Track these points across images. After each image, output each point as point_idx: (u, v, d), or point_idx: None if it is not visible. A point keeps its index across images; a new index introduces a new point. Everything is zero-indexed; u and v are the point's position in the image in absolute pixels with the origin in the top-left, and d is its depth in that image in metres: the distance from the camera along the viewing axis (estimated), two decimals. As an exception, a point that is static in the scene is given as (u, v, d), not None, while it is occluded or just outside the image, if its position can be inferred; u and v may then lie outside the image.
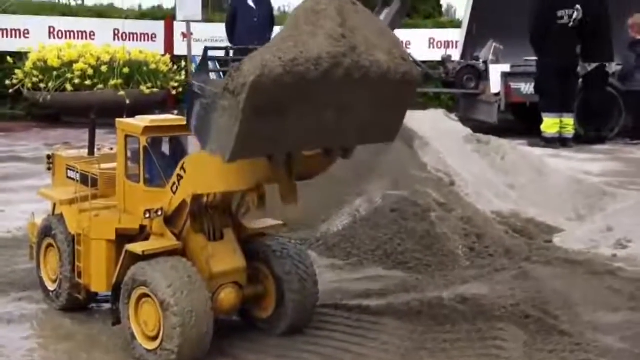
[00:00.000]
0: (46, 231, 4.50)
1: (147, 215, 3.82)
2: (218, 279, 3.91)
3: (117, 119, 4.14)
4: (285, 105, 3.20)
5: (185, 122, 3.84)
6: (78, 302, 4.41)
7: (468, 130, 7.63)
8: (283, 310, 4.09)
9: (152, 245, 3.81)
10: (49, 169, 4.83)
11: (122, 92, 13.79)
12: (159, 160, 3.98)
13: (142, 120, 4.03)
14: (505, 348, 4.01)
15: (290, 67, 3.07)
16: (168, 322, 3.61)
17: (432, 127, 7.20)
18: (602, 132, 13.08)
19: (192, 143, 3.98)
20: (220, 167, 3.56)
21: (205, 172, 3.71)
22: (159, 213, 3.83)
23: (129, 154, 4.07)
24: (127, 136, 4.05)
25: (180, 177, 3.80)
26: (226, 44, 13.84)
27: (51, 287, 4.53)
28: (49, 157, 4.83)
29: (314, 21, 3.18)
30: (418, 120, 6.96)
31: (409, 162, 6.36)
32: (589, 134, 12.87)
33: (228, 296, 3.94)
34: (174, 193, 3.84)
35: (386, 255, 5.46)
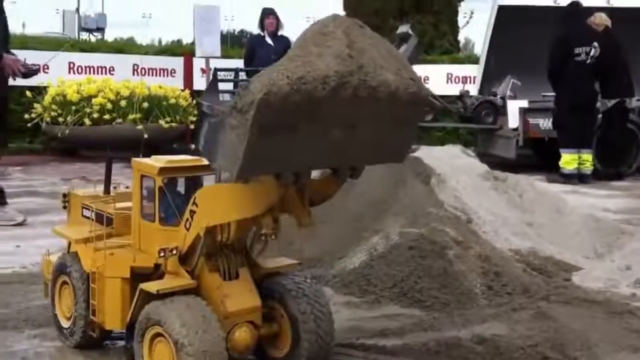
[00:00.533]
0: (61, 269, 4.49)
1: (162, 255, 3.81)
2: (233, 318, 3.88)
3: (133, 159, 4.14)
4: (293, 124, 3.19)
5: (201, 162, 3.86)
6: (92, 340, 4.37)
7: (485, 167, 7.60)
8: (298, 350, 4.04)
9: (166, 284, 3.79)
10: (64, 207, 4.84)
11: (140, 127, 13.84)
12: (174, 200, 3.97)
13: (158, 161, 4.03)
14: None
15: (297, 85, 3.06)
16: (182, 362, 3.58)
17: (449, 163, 7.18)
18: (620, 169, 13.06)
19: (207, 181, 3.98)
20: (232, 195, 3.57)
21: (217, 202, 3.69)
22: (174, 252, 3.82)
23: (144, 193, 4.07)
24: (142, 176, 4.05)
25: (192, 212, 3.78)
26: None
27: (65, 324, 4.50)
28: (64, 195, 4.84)
29: (321, 43, 3.18)
30: (435, 157, 6.96)
31: (425, 200, 6.34)
32: (607, 170, 12.86)
33: (243, 335, 3.90)
34: (188, 229, 3.82)
35: (403, 293, 5.41)
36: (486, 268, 5.63)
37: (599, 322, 5.01)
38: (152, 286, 3.78)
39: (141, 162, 4.09)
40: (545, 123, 13.28)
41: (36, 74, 8.77)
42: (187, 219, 3.80)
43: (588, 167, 12.51)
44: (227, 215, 3.72)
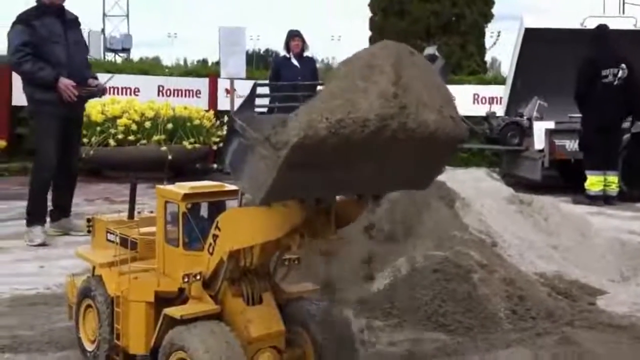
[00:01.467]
0: (85, 292, 4.50)
1: (186, 280, 3.81)
2: (257, 343, 3.86)
3: (157, 186, 4.16)
4: (325, 161, 3.15)
5: (224, 187, 3.86)
6: (116, 364, 4.39)
7: (510, 190, 7.59)
8: (321, 376, 4.04)
9: (190, 310, 3.79)
10: (89, 231, 4.87)
11: (164, 148, 13.90)
12: (198, 224, 3.98)
13: (182, 187, 4.05)
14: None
15: (335, 129, 3.00)
16: (205, 388, 3.58)
17: (474, 187, 7.17)
18: (646, 190, 13.00)
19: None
20: (254, 218, 3.53)
21: (240, 226, 3.68)
22: (198, 277, 3.82)
23: (168, 218, 4.08)
24: (166, 202, 4.07)
25: (215, 237, 3.77)
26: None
27: (89, 347, 4.51)
28: (88, 220, 4.87)
29: (367, 76, 3.09)
30: (459, 180, 6.94)
31: (450, 223, 6.31)
32: (633, 192, 12.80)
33: (267, 360, 3.90)
34: (211, 254, 3.82)
35: (427, 316, 5.38)
36: (511, 292, 5.59)
37: (624, 348, 4.98)
38: (175, 311, 3.78)
39: (165, 188, 4.11)
40: (571, 144, 13.23)
41: (94, 96, 9.02)
42: (210, 244, 3.81)
43: (614, 189, 12.46)
44: (250, 239, 3.71)
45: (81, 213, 9.21)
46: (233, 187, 4.01)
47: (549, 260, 6.62)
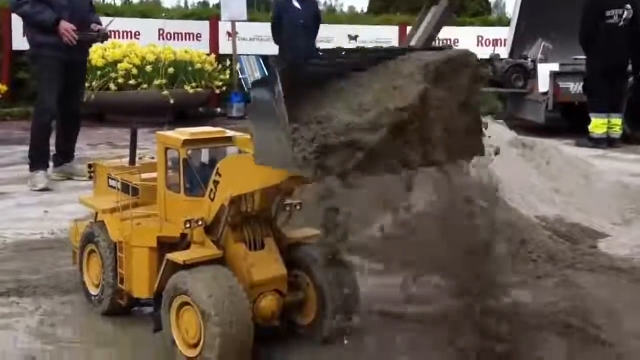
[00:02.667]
0: (89, 238, 4.54)
1: (188, 226, 3.83)
2: (259, 287, 3.90)
3: (158, 132, 4.16)
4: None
5: (225, 134, 3.86)
6: (120, 307, 4.44)
7: (513, 134, 7.57)
8: (324, 318, 4.07)
9: (193, 255, 3.82)
10: (90, 177, 4.89)
11: (165, 92, 13.86)
12: (199, 171, 4.00)
13: (182, 134, 4.04)
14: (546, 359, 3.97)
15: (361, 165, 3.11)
16: (209, 331, 3.61)
17: (477, 131, 7.14)
18: (650, 132, 12.97)
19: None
20: (254, 164, 3.51)
21: (240, 172, 3.70)
22: (200, 223, 3.85)
23: (169, 164, 4.09)
24: (167, 148, 4.08)
25: (216, 183, 3.80)
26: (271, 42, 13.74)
27: (94, 292, 4.57)
28: (90, 166, 4.89)
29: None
30: (462, 124, 6.92)
31: (452, 168, 6.30)
32: (637, 135, 12.77)
33: (269, 304, 3.93)
34: (212, 200, 3.85)
35: (428, 260, 5.40)
36: (512, 235, 5.61)
37: (625, 291, 5.01)
38: (178, 257, 3.81)
39: (165, 135, 4.11)
40: (575, 87, 13.19)
41: (96, 41, 8.98)
42: (212, 190, 3.83)
43: (617, 132, 12.44)
44: (250, 185, 3.72)
45: (84, 158, 9.22)
46: (234, 134, 4.02)
47: (551, 203, 6.63)
